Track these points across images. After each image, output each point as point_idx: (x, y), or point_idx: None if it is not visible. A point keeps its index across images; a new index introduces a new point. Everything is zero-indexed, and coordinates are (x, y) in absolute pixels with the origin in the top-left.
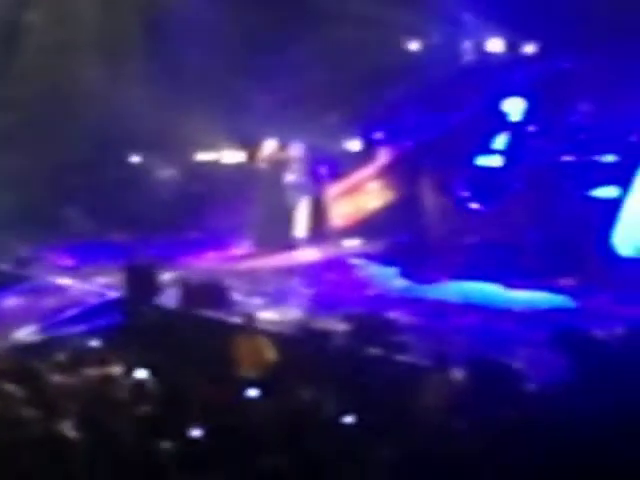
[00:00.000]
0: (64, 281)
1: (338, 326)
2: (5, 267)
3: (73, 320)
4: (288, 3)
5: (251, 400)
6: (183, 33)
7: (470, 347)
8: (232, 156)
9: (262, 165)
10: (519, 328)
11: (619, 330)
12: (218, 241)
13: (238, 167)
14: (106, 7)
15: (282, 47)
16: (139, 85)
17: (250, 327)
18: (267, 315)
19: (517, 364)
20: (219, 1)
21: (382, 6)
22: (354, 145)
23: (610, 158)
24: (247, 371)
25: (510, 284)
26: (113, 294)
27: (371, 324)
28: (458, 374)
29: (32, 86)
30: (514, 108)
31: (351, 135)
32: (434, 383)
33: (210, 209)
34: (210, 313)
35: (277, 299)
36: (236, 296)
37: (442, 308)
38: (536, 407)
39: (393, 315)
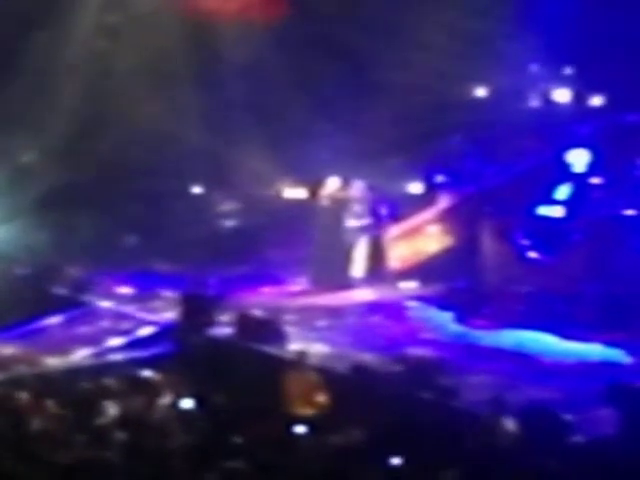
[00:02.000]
0: (119, 307)
1: (391, 368)
2: (61, 291)
3: (126, 347)
4: (357, 46)
5: (299, 437)
6: (250, 68)
7: (522, 396)
8: (293, 192)
9: (323, 202)
10: (572, 379)
11: None
12: (275, 276)
13: (299, 203)
14: (179, 40)
15: (350, 87)
16: (203, 118)
17: (302, 364)
18: (319, 353)
19: (568, 416)
20: (290, 38)
21: (449, 53)
22: (416, 188)
23: None
24: (296, 408)
25: (565, 335)
26: (168, 323)
27: (424, 367)
28: (509, 422)
29: (97, 115)
30: (578, 159)
31: (413, 178)
32: (484, 430)
33: (269, 244)
34: (263, 347)
35: (331, 337)
36: (290, 332)
37: (496, 355)
38: (584, 459)
39: (446, 359)
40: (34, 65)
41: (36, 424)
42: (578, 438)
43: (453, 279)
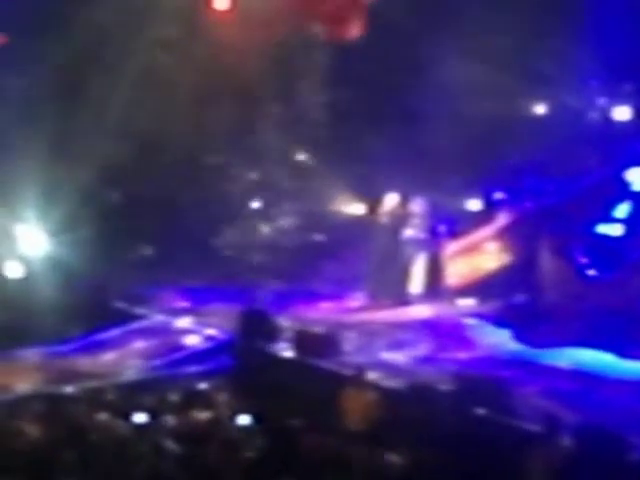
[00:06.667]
0: (178, 322)
1: (448, 385)
2: (121, 305)
3: (184, 361)
4: (415, 66)
5: (355, 454)
6: (312, 87)
7: (579, 415)
8: (353, 208)
9: (382, 219)
10: (631, 398)
11: None
12: (334, 292)
13: (359, 219)
14: (242, 56)
15: (411, 104)
16: (265, 134)
17: (360, 380)
18: (377, 369)
19: (627, 435)
20: (352, 58)
21: (509, 70)
22: (475, 205)
23: None
24: (354, 424)
25: (624, 353)
26: (225, 338)
27: (481, 385)
28: (566, 440)
29: (156, 133)
30: (638, 177)
31: (472, 195)
32: (542, 448)
33: (328, 260)
34: (321, 363)
35: (388, 354)
36: (348, 348)
37: (554, 373)
38: None
39: (503, 377)
40: (95, 90)
41: (95, 437)
42: (637, 457)
43: (511, 296)
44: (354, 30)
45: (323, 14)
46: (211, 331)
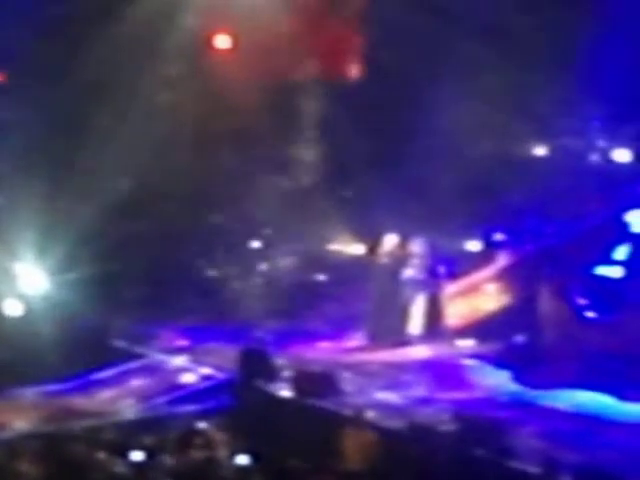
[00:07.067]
0: (176, 361)
1: (446, 426)
2: (120, 344)
3: (182, 400)
4: (414, 107)
5: None
6: (312, 128)
7: (579, 456)
8: (353, 248)
9: (382, 259)
10: (629, 441)
11: None
12: (333, 332)
13: (358, 259)
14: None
15: (409, 146)
16: (266, 174)
17: (358, 420)
18: (375, 409)
19: (626, 476)
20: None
21: (509, 112)
22: (474, 245)
23: None
24: (352, 464)
25: (622, 396)
26: (224, 377)
27: (479, 426)
28: None
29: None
30: (637, 220)
31: (472, 235)
32: None
33: (327, 300)
34: (319, 403)
35: (387, 394)
36: (346, 388)
37: (552, 415)
38: None
39: (502, 418)
40: (95, 128)
41: (93, 476)
42: None
43: (511, 338)
44: (352, 70)
45: (320, 52)
46: (209, 370)
